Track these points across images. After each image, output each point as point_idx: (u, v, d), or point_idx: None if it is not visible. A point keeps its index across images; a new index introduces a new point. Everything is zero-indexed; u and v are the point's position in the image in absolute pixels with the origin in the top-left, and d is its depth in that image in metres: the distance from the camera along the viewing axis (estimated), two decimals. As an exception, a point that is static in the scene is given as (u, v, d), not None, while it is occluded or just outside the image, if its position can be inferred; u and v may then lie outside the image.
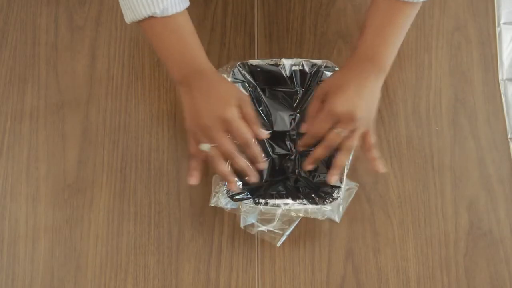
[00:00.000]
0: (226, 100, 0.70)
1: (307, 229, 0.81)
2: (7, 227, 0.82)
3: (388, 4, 0.73)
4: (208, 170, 0.84)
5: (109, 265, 0.80)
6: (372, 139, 0.74)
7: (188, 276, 0.80)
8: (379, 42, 0.74)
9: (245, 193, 0.77)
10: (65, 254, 0.81)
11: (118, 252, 0.81)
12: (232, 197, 0.76)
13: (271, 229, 0.77)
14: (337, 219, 0.77)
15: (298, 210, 0.76)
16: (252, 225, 0.77)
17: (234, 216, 0.82)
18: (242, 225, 0.77)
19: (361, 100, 0.70)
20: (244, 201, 0.76)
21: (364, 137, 0.74)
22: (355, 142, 0.72)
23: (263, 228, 0.77)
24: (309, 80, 0.83)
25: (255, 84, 0.83)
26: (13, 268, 0.80)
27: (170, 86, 0.89)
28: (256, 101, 0.83)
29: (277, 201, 0.76)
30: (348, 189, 0.78)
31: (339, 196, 0.76)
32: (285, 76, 0.83)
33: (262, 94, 0.84)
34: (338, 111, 0.70)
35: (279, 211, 0.76)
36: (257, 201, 0.76)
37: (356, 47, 0.75)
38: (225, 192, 0.76)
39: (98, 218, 0.82)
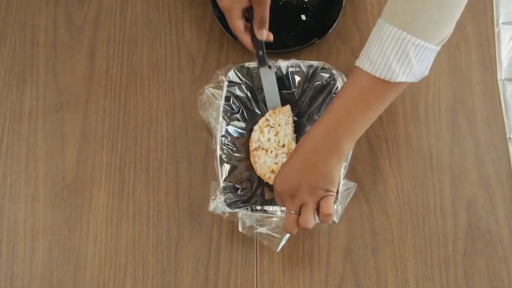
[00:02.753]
0: None
1: (305, 229, 0.81)
2: (6, 227, 0.82)
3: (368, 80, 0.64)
4: (207, 173, 0.84)
5: (108, 265, 0.80)
6: (330, 209, 0.69)
7: (187, 276, 0.80)
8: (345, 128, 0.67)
9: (241, 201, 0.77)
10: (64, 254, 0.81)
11: (117, 252, 0.81)
12: (229, 205, 0.76)
13: (270, 232, 0.77)
14: (335, 219, 0.77)
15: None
16: (251, 227, 0.77)
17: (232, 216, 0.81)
18: (240, 228, 0.77)
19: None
20: (241, 209, 0.76)
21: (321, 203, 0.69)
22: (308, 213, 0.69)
23: (261, 230, 0.77)
24: (306, 82, 0.83)
25: (252, 86, 0.83)
26: (12, 268, 0.80)
27: (168, 86, 0.89)
28: (254, 102, 0.84)
29: (273, 207, 0.76)
30: (346, 189, 0.78)
31: (337, 196, 0.76)
32: (282, 78, 0.83)
33: (258, 95, 0.84)
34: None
35: (277, 218, 0.76)
36: (253, 208, 0.76)
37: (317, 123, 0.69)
38: (222, 200, 0.76)
39: (97, 218, 0.82)
